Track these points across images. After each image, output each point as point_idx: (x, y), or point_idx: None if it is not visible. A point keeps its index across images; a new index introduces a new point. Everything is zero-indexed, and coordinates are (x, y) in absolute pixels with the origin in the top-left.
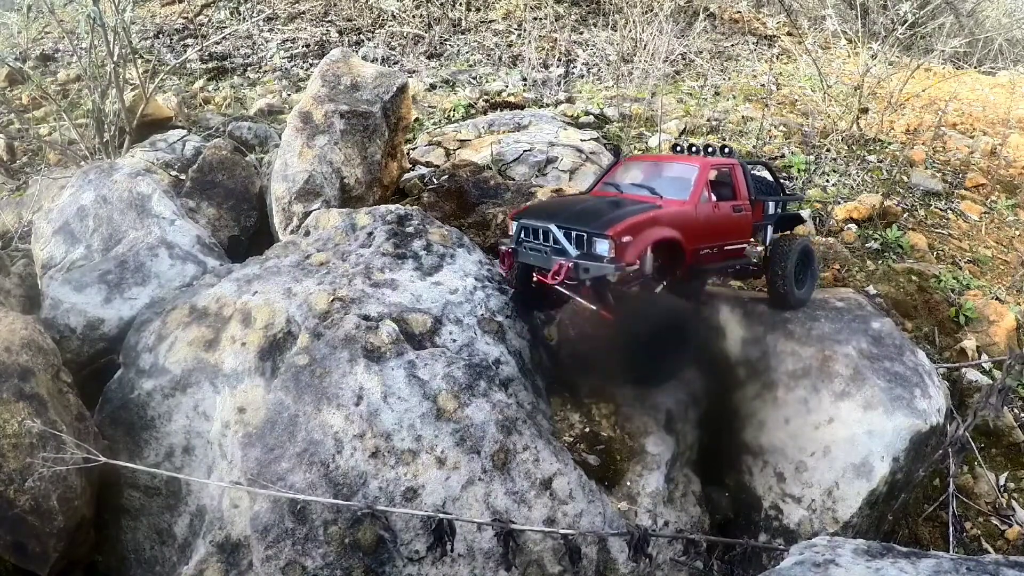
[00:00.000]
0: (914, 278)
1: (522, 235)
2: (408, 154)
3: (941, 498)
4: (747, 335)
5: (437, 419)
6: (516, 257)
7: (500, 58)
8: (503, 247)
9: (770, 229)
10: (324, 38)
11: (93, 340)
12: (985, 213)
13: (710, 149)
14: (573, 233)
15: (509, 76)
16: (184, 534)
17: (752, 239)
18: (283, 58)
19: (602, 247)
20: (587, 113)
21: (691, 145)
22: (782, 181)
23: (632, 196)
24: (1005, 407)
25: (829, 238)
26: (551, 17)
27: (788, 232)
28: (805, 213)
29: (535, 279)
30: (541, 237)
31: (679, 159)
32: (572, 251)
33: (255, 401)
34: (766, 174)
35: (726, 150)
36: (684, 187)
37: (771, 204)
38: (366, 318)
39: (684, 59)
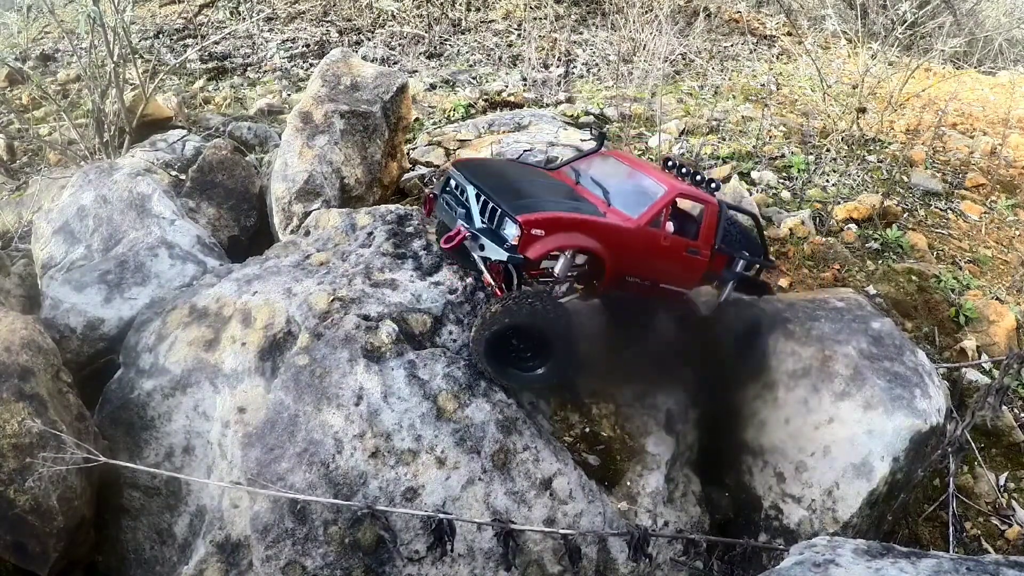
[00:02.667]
0: (914, 278)
1: (447, 186)
2: (408, 154)
3: (941, 498)
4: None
5: (437, 419)
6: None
7: (500, 58)
8: (428, 190)
9: (731, 286)
10: (324, 38)
11: (93, 340)
12: (985, 213)
13: (699, 178)
14: (489, 204)
15: (509, 76)
16: (184, 534)
17: (709, 286)
18: (283, 58)
19: (509, 231)
20: (587, 113)
21: (682, 166)
22: (767, 243)
23: (584, 191)
24: (1005, 407)
25: (829, 238)
26: (551, 17)
27: (755, 293)
28: (805, 214)
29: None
30: (459, 195)
31: (653, 174)
32: (478, 222)
33: (255, 401)
34: (745, 217)
35: (713, 185)
36: (640, 204)
37: (740, 262)
38: (366, 318)
39: (684, 59)
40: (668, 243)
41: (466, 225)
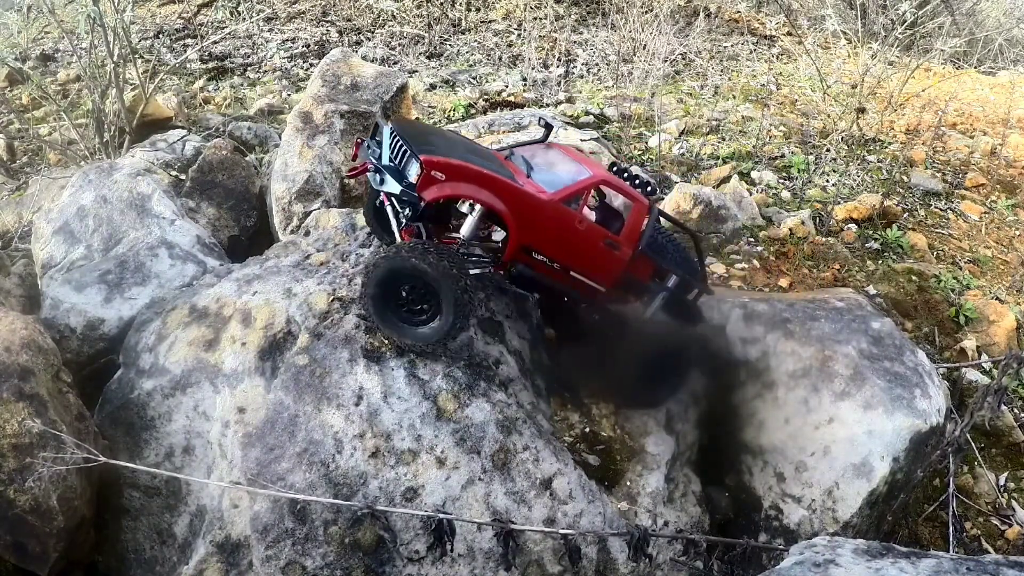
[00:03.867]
0: (914, 278)
1: (376, 134)
2: None
3: (941, 498)
4: (747, 335)
5: (437, 419)
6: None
7: (500, 58)
8: (357, 136)
9: (659, 302)
10: (324, 38)
11: (93, 340)
12: (985, 213)
13: (637, 180)
14: (400, 145)
15: (509, 76)
16: (184, 534)
17: (631, 297)
18: (283, 58)
19: (412, 170)
20: (587, 113)
21: (625, 170)
22: (705, 267)
23: (510, 164)
24: (1005, 407)
25: (829, 238)
26: (551, 17)
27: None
28: (805, 214)
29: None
30: (379, 138)
31: (584, 162)
32: (385, 158)
33: (255, 401)
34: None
35: (650, 189)
36: (560, 183)
37: (672, 277)
38: (366, 318)
39: (684, 59)
40: (583, 228)
41: (374, 161)
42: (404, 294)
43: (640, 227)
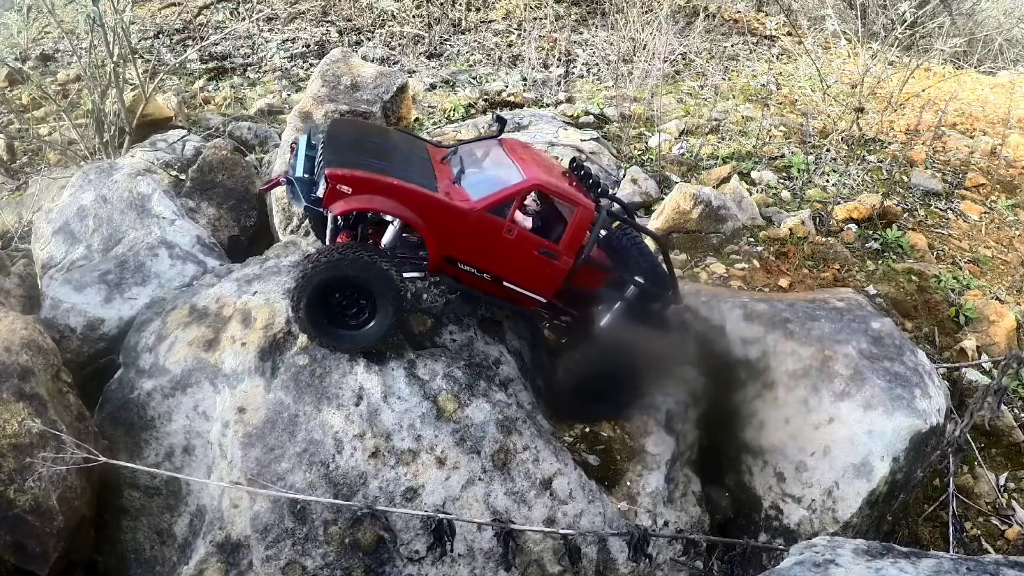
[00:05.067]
0: (914, 278)
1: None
2: None
3: (941, 498)
4: (747, 335)
5: (437, 419)
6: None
7: (500, 58)
8: (293, 141)
9: (615, 312)
10: (324, 38)
11: (93, 340)
12: (985, 213)
13: (591, 182)
14: (317, 156)
15: (509, 76)
16: (184, 534)
17: (583, 308)
18: (283, 58)
19: (322, 183)
20: (587, 113)
21: (581, 167)
22: (674, 274)
23: (443, 168)
24: (1005, 407)
25: (829, 238)
26: (551, 17)
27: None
28: (805, 214)
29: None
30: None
31: (524, 164)
32: (298, 169)
33: (255, 401)
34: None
35: (599, 189)
36: (488, 189)
37: (631, 288)
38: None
39: (684, 59)
40: (513, 237)
41: (288, 174)
42: (338, 299)
43: (583, 234)
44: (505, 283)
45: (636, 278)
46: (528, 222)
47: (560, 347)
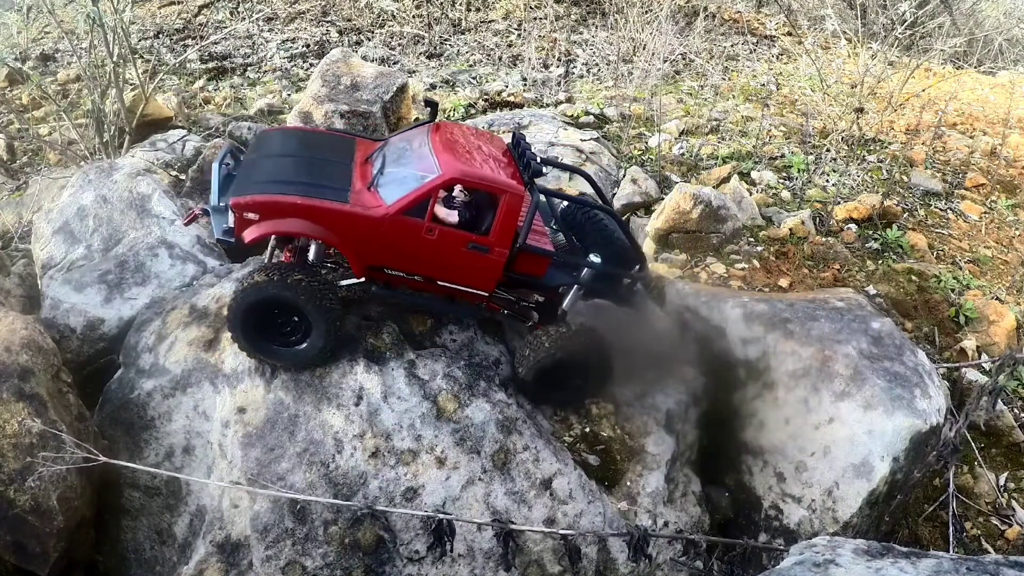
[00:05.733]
0: (914, 278)
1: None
2: None
3: (941, 498)
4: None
5: (437, 419)
6: None
7: (500, 58)
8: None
9: (572, 297)
10: (324, 38)
11: (93, 340)
12: (985, 213)
13: (527, 158)
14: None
15: (509, 76)
16: (184, 534)
17: (536, 295)
18: (283, 58)
19: (229, 214)
20: (587, 113)
21: (518, 143)
22: (637, 247)
23: (364, 170)
24: (1005, 407)
25: (829, 238)
26: (551, 17)
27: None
28: (805, 214)
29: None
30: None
31: (444, 155)
32: (214, 198)
33: (255, 401)
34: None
35: (532, 169)
36: (402, 189)
37: (586, 271)
38: (367, 318)
39: (684, 59)
40: (435, 236)
41: (207, 204)
42: (275, 317)
43: (514, 221)
44: (441, 283)
45: (592, 258)
46: (454, 216)
47: (526, 331)
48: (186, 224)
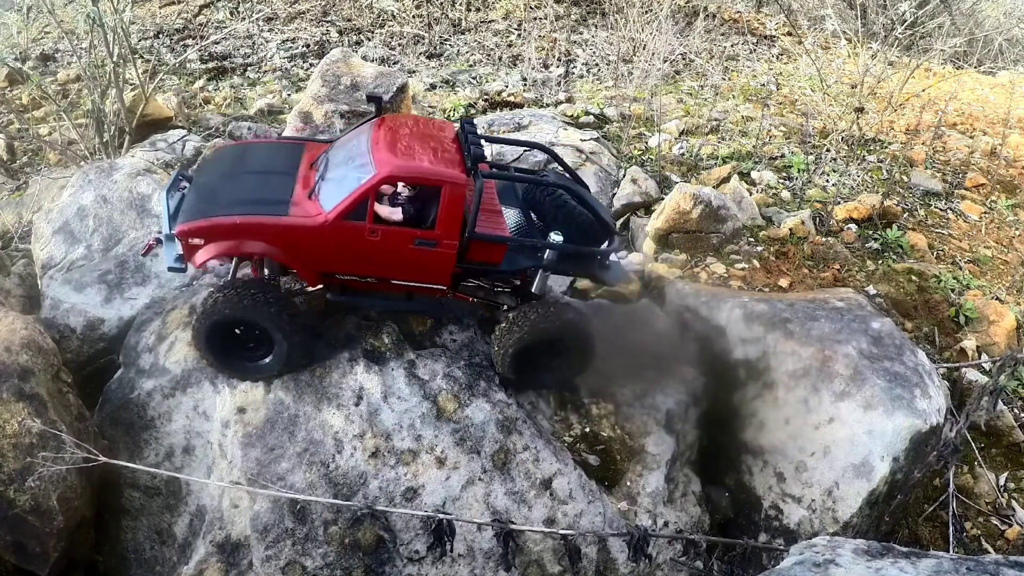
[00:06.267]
0: (914, 278)
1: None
2: None
3: (941, 498)
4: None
5: (437, 419)
6: None
7: (500, 58)
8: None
9: (541, 279)
10: (324, 38)
11: (93, 340)
12: (985, 213)
13: (470, 143)
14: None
15: (509, 76)
16: (184, 534)
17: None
18: (283, 58)
19: (176, 243)
20: (587, 113)
21: (467, 124)
22: (601, 218)
23: (307, 176)
24: (1005, 407)
25: (829, 238)
26: (551, 17)
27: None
28: (805, 214)
29: None
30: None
31: (379, 152)
32: (165, 227)
33: (255, 401)
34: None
35: (474, 155)
36: (340, 193)
37: (548, 252)
38: (367, 317)
39: (684, 59)
40: (379, 237)
41: (160, 231)
42: (237, 335)
43: (459, 211)
44: (395, 282)
45: (553, 237)
46: (398, 214)
47: (500, 316)
48: (143, 256)
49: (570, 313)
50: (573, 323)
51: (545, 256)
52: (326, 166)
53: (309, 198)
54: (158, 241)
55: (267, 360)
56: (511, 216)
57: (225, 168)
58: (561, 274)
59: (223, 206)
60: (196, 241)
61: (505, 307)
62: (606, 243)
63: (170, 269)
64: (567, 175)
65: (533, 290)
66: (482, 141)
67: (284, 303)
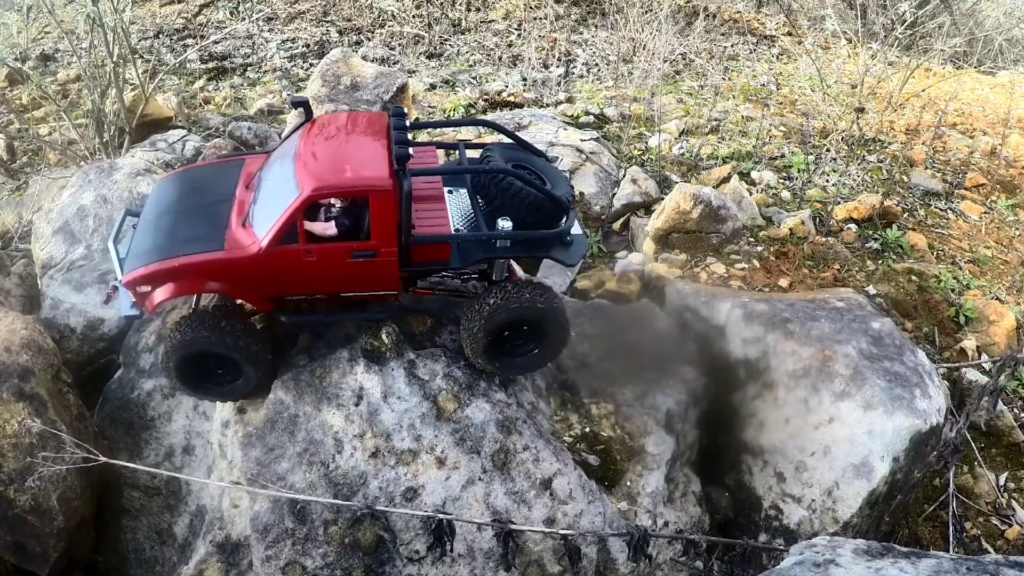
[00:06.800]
0: (914, 278)
1: None
2: None
3: (941, 498)
4: (747, 335)
5: (437, 419)
6: None
7: (500, 58)
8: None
9: (500, 267)
10: (324, 38)
11: (93, 340)
12: (985, 213)
13: (399, 146)
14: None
15: (509, 76)
16: (184, 534)
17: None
18: (283, 58)
19: (127, 293)
20: (587, 113)
21: (400, 115)
22: (557, 198)
23: (248, 196)
24: (1005, 407)
25: (829, 238)
26: (551, 17)
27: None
28: (805, 214)
29: None
30: None
31: (304, 167)
32: (118, 274)
33: (255, 401)
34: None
35: (397, 155)
36: (271, 216)
37: (502, 241)
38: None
39: (684, 59)
40: (314, 257)
41: (115, 280)
42: (205, 362)
43: (392, 216)
44: (344, 295)
45: (501, 224)
46: (332, 228)
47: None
48: (105, 304)
49: (531, 292)
50: (534, 303)
51: (497, 245)
52: (259, 185)
53: (243, 226)
54: (115, 289)
55: (238, 382)
56: (459, 203)
57: (164, 204)
58: (519, 258)
59: (163, 249)
60: (144, 288)
61: (472, 295)
62: (563, 220)
63: (127, 317)
64: (515, 149)
65: (493, 277)
66: (409, 135)
67: (246, 331)
